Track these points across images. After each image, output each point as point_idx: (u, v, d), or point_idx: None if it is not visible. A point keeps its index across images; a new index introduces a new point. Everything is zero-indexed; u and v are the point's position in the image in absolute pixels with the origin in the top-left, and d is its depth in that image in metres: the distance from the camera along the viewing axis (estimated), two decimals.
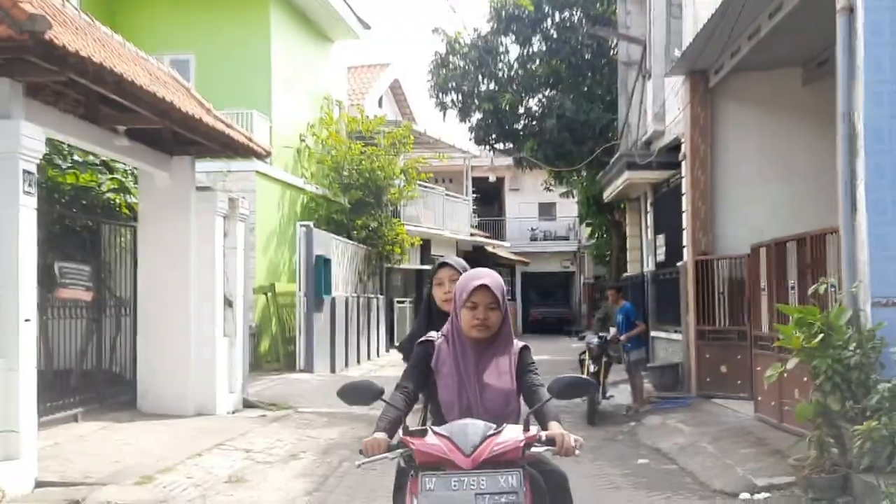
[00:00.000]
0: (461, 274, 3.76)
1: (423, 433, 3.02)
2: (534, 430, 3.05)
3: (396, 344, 3.91)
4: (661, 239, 14.71)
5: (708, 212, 12.01)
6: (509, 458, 2.93)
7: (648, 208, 15.89)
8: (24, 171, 6.97)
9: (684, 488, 7.11)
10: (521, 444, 2.95)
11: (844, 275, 6.68)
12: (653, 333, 14.77)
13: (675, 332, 13.25)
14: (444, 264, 4.24)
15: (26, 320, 6.97)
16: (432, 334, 3.38)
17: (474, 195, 35.41)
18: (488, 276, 3.29)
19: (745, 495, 6.63)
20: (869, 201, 6.45)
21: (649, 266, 15.79)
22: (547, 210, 38.65)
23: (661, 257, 14.68)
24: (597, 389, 10.35)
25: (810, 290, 6.73)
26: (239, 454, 8.63)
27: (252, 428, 10.19)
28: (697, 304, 11.95)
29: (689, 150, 12.11)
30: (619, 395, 12.07)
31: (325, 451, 8.97)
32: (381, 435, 3.06)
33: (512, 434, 2.98)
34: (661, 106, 13.48)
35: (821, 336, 6.17)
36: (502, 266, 35.51)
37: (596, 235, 22.09)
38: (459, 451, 2.90)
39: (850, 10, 6.60)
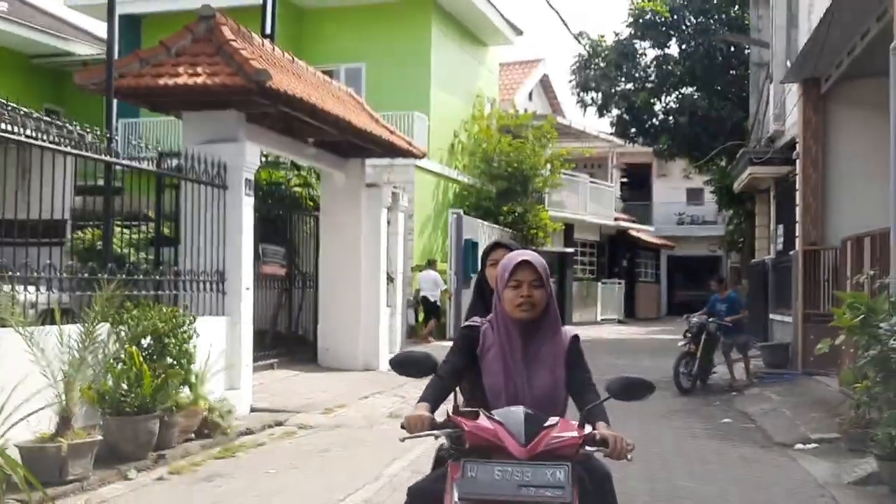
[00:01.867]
0: None
1: (474, 415, 2.82)
2: (587, 428, 2.89)
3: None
4: (780, 229, 15.79)
5: (818, 207, 13.08)
6: (562, 453, 2.76)
7: (772, 200, 16.92)
8: (246, 180, 9.49)
9: (751, 440, 8.67)
10: (579, 441, 2.79)
11: (892, 267, 7.98)
12: (771, 316, 15.89)
13: (789, 315, 14.37)
14: (497, 244, 4.09)
15: (246, 289, 9.50)
16: (476, 319, 3.24)
17: (623, 180, 36.57)
18: (529, 254, 3.14)
19: (799, 446, 8.14)
20: None
21: (772, 254, 16.84)
22: (695, 195, 39.00)
23: (779, 246, 15.76)
24: (698, 378, 11.92)
25: (855, 280, 8.07)
26: (397, 398, 10.93)
27: (407, 383, 12.37)
28: (805, 290, 13.11)
29: (802, 150, 13.21)
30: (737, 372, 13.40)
31: None
32: (425, 410, 2.90)
33: (569, 429, 2.83)
34: (780, 107, 14.56)
35: (862, 317, 7.56)
36: (646, 249, 36.55)
37: (733, 223, 23.03)
38: (514, 440, 2.74)
39: None
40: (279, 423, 8.90)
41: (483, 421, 2.78)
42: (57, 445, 5.71)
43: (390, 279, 14.17)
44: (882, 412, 6.58)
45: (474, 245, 19.22)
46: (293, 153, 11.74)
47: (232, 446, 7.72)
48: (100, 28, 23.26)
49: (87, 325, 6.18)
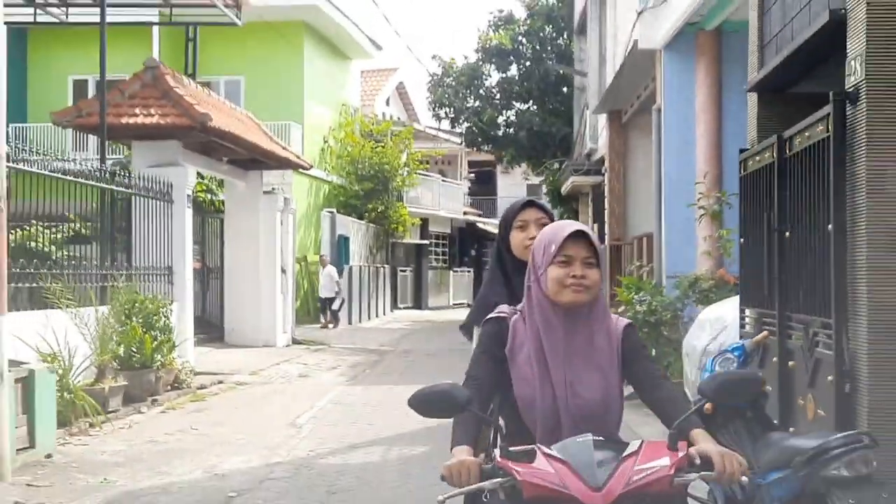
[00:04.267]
0: (551, 220, 2.99)
1: (529, 456, 2.12)
2: (681, 447, 2.13)
3: (461, 324, 3.66)
4: (596, 227, 19.80)
5: (621, 211, 17.05)
6: (654, 490, 2.06)
7: (591, 203, 20.97)
8: (187, 195, 12.10)
9: None
10: (671, 472, 2.06)
11: (655, 260, 11.77)
12: None
13: None
14: (530, 203, 3.35)
15: (189, 280, 12.13)
16: (504, 309, 2.55)
17: (471, 176, 40.54)
18: (581, 224, 2.49)
19: None
20: (667, 222, 11.48)
21: None
22: (534, 191, 43.30)
23: None
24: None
25: (631, 268, 11.80)
26: (300, 365, 13.85)
27: (303, 354, 15.39)
28: (612, 276, 17.03)
29: (609, 166, 17.12)
30: None
31: (352, 366, 14.14)
32: (467, 454, 2.19)
33: (658, 454, 2.09)
34: (594, 130, 18.49)
35: (635, 294, 11.26)
36: (492, 240, 40.79)
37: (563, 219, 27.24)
38: (584, 483, 2.04)
39: (660, 110, 11.62)
40: (221, 382, 11.61)
41: (541, 463, 2.12)
42: (101, 388, 8.35)
43: (283, 271, 16.93)
44: None
45: (345, 239, 22.25)
46: (213, 170, 14.36)
47: (198, 395, 10.45)
48: None
49: (115, 306, 8.82)
